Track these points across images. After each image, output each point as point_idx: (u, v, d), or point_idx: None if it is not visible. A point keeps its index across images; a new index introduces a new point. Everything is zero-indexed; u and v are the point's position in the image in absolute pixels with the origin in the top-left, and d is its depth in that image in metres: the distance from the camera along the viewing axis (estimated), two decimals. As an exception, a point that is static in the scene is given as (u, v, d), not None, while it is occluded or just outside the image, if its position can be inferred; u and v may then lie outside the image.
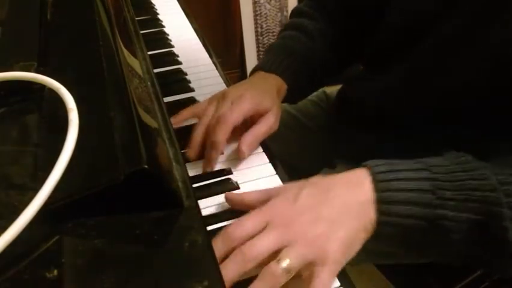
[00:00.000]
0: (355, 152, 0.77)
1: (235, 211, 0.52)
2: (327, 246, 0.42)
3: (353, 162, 0.78)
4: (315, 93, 0.89)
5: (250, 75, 0.71)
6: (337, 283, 0.46)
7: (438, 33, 0.58)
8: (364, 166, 0.48)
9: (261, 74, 0.69)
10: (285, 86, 0.68)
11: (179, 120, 0.63)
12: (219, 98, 0.62)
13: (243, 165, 0.60)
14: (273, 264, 0.40)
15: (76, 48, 0.55)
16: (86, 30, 0.56)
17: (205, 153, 0.58)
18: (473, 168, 0.46)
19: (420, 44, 0.60)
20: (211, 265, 0.36)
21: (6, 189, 0.39)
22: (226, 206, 0.53)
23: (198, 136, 0.59)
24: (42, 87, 0.47)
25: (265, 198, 0.48)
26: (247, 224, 0.43)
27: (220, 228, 0.51)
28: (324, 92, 0.90)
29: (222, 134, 0.57)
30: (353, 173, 0.48)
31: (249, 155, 0.59)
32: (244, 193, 0.51)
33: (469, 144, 0.61)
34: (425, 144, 0.66)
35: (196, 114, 0.62)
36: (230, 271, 0.40)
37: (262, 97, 0.62)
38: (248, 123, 0.61)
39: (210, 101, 0.63)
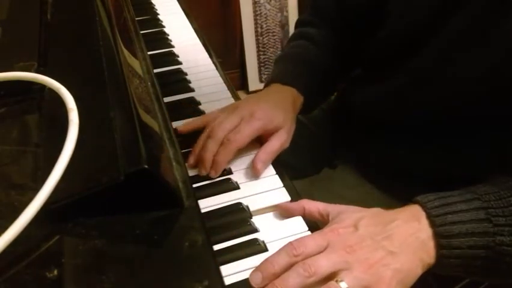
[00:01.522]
0: (355, 153, 0.77)
1: (234, 212, 0.53)
2: (384, 274, 0.43)
3: (353, 163, 0.79)
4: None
5: (264, 88, 0.70)
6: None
7: (437, 39, 0.58)
8: (416, 202, 0.48)
9: (277, 87, 0.67)
10: (301, 98, 0.67)
11: (189, 129, 0.62)
12: (230, 110, 0.61)
13: (243, 165, 0.59)
14: (332, 283, 0.41)
15: (76, 48, 0.55)
16: (86, 30, 0.56)
17: (201, 156, 0.58)
18: None
19: (420, 50, 0.60)
20: (211, 265, 0.36)
21: (6, 189, 0.39)
22: (226, 205, 0.54)
23: (200, 142, 0.59)
24: (42, 87, 0.47)
25: (324, 212, 0.50)
26: (310, 242, 0.44)
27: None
28: (325, 93, 0.90)
29: (224, 156, 0.57)
30: (408, 209, 0.48)
31: (263, 172, 0.58)
32: (304, 201, 0.52)
33: (468, 149, 0.61)
34: (424, 146, 0.66)
35: (206, 124, 0.61)
36: (291, 281, 0.41)
37: (274, 114, 0.61)
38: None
39: (221, 110, 0.63)
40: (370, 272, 0.42)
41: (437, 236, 0.45)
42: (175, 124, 0.65)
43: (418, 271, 0.45)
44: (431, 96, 0.61)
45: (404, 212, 0.48)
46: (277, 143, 0.60)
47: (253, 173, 0.58)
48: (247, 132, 0.58)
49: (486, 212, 0.46)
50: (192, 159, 0.58)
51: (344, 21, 0.73)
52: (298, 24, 0.80)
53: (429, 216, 0.46)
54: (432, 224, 0.46)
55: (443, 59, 0.58)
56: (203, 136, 0.59)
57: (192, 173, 0.58)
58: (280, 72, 0.69)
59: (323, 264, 0.42)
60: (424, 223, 0.46)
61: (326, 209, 0.50)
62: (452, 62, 0.58)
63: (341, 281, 0.41)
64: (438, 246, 0.45)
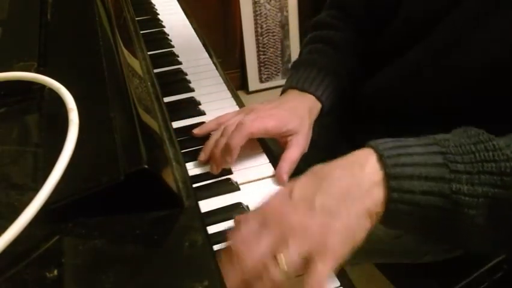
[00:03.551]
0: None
1: (234, 212, 0.53)
2: (325, 239, 0.40)
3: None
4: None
5: (282, 93, 0.69)
6: (337, 283, 0.46)
7: (441, 28, 0.58)
8: (368, 146, 0.45)
9: (294, 93, 0.66)
10: (318, 105, 0.66)
11: (204, 131, 0.62)
12: (245, 112, 0.61)
13: (243, 165, 0.59)
14: (271, 268, 0.39)
15: (76, 48, 0.55)
16: (86, 30, 0.56)
17: (214, 153, 0.58)
18: (484, 140, 0.42)
19: (418, 41, 0.60)
20: (211, 265, 0.36)
21: (6, 189, 0.39)
22: (226, 205, 0.54)
23: (213, 140, 0.59)
24: (42, 87, 0.47)
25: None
26: (243, 228, 0.43)
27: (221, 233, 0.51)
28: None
29: (237, 139, 0.56)
30: (355, 154, 0.45)
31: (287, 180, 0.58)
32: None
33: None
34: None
35: (220, 125, 0.61)
36: (231, 281, 0.39)
37: (289, 119, 0.60)
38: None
39: (237, 112, 0.63)
40: (311, 239, 0.40)
41: (387, 177, 0.41)
42: (175, 124, 0.65)
43: (366, 224, 0.42)
44: (433, 92, 0.62)
45: (348, 158, 0.45)
46: (296, 150, 0.59)
47: (278, 181, 0.57)
48: (261, 125, 0.57)
49: (444, 157, 0.42)
50: (203, 156, 0.58)
51: (369, 16, 0.72)
52: (314, 26, 0.78)
53: (380, 158, 0.42)
54: (383, 166, 0.42)
55: (440, 51, 0.58)
56: (216, 134, 0.59)
57: (192, 173, 0.58)
58: (299, 78, 0.68)
59: (258, 252, 0.40)
60: (372, 166, 0.43)
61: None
62: (453, 52, 0.57)
63: (280, 260, 0.39)
64: (388, 189, 0.41)
